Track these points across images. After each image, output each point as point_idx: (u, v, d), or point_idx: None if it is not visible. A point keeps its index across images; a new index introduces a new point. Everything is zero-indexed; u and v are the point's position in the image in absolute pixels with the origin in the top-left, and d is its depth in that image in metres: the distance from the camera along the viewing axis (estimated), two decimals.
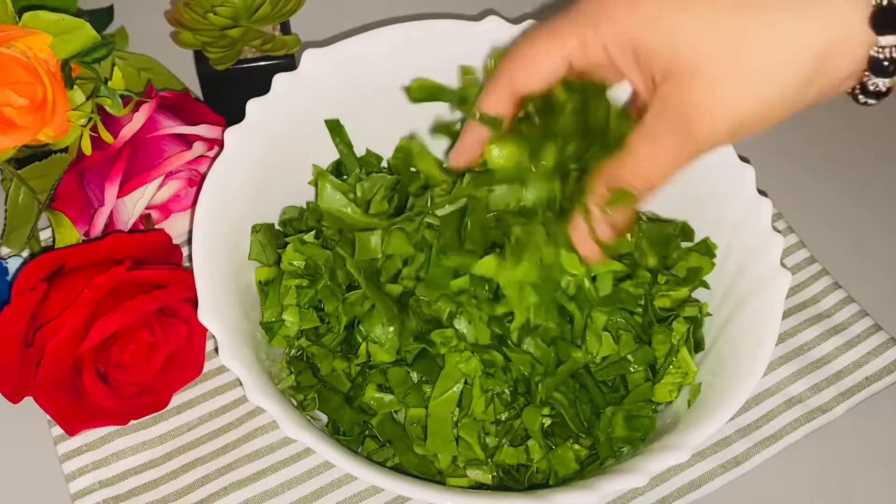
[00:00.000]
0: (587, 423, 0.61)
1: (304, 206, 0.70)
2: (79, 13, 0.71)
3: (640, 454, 0.57)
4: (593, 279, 0.60)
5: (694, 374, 0.62)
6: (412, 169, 0.67)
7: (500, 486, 0.60)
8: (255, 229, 0.66)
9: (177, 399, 0.68)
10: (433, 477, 0.60)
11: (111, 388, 0.65)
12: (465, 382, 0.60)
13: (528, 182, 0.57)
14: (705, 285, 0.66)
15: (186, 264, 0.72)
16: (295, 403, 0.62)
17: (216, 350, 0.65)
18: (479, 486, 0.60)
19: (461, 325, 0.60)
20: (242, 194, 0.64)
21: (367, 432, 0.63)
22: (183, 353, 0.68)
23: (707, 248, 0.66)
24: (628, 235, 0.55)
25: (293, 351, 0.66)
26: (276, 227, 0.69)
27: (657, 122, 0.50)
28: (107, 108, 0.69)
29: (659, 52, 0.48)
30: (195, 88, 0.79)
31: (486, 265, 0.58)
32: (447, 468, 0.60)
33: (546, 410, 0.61)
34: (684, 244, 0.67)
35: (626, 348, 0.62)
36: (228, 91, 0.75)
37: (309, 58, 0.67)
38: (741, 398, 0.56)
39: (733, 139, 0.49)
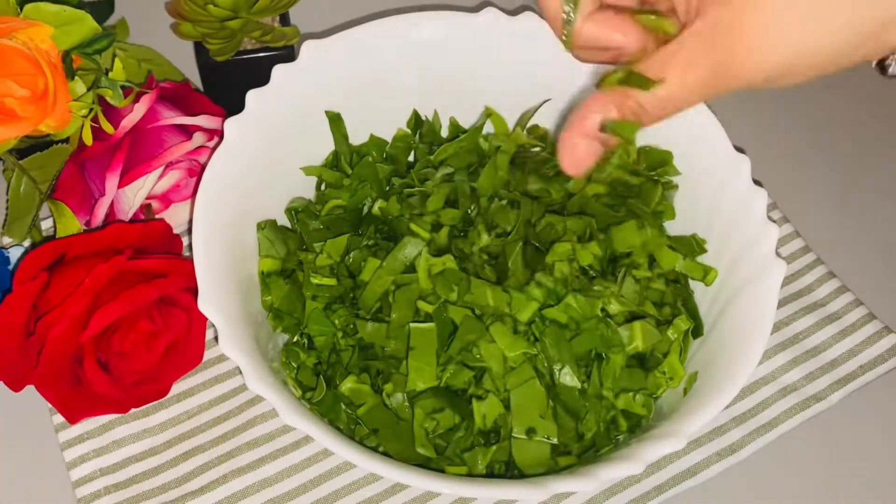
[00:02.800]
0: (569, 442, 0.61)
1: (310, 199, 0.71)
2: (80, 5, 0.70)
3: (636, 442, 0.58)
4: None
5: (681, 378, 0.63)
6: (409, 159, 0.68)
7: (492, 474, 0.61)
8: (261, 226, 0.67)
9: (177, 387, 0.68)
10: (420, 463, 0.60)
11: (112, 376, 0.65)
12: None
13: None
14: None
15: (186, 254, 0.72)
16: (297, 395, 0.62)
17: (216, 339, 0.65)
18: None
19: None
20: (242, 184, 0.64)
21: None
22: (183, 342, 0.68)
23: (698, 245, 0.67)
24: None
25: (294, 337, 0.66)
26: (283, 212, 0.70)
27: (698, 46, 0.45)
28: (108, 99, 0.69)
29: None
30: (195, 79, 0.79)
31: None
32: (433, 458, 0.60)
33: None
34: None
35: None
36: (228, 82, 0.75)
37: (308, 49, 0.67)
38: (737, 387, 0.56)
39: (767, 84, 0.45)
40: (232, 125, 0.64)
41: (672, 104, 0.47)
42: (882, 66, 0.47)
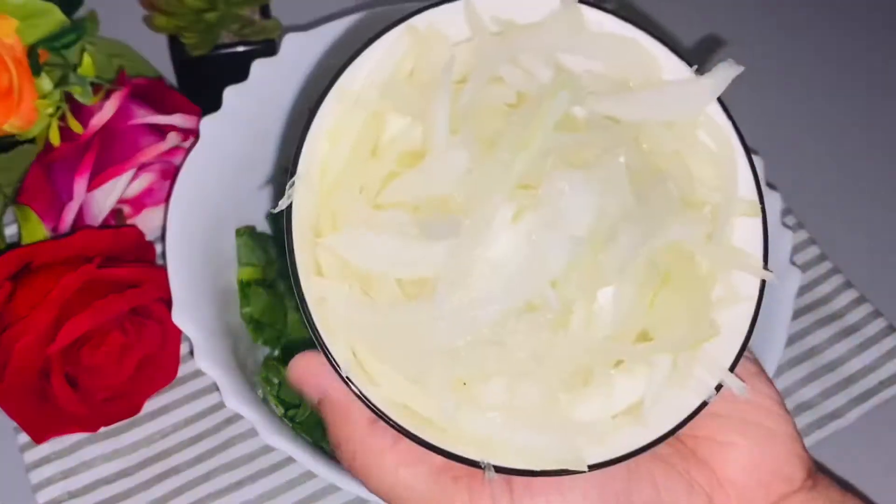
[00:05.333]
0: None
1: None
2: None
3: None
4: None
5: None
6: None
7: None
8: (240, 233, 0.67)
9: (150, 405, 0.68)
10: None
11: (81, 392, 0.65)
12: None
13: None
14: None
15: (160, 262, 0.72)
16: (278, 413, 0.63)
17: (191, 353, 0.64)
18: None
19: None
20: (219, 187, 0.64)
21: None
22: (157, 356, 0.67)
23: None
24: None
25: (276, 350, 0.66)
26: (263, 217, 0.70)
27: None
28: (76, 97, 0.69)
29: None
30: (169, 75, 0.79)
31: None
32: None
33: None
34: None
35: None
36: (205, 78, 0.75)
37: (289, 43, 0.66)
38: None
39: None
40: (208, 124, 0.64)
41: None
42: None
